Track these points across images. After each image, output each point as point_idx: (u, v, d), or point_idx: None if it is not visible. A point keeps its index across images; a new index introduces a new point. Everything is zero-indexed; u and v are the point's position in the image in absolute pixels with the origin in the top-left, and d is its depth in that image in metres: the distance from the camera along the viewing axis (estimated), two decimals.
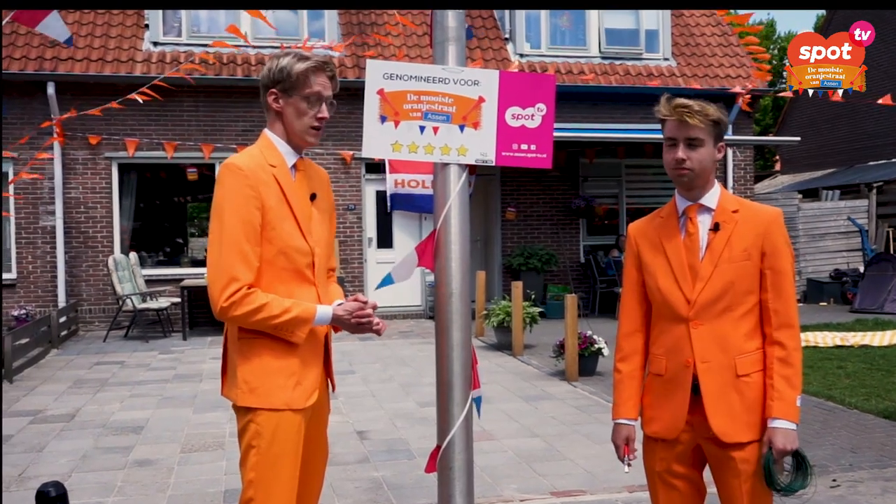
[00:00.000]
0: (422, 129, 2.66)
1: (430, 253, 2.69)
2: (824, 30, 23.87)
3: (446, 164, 2.66)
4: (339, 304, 2.82)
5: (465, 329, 2.66)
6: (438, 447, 2.67)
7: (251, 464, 2.70)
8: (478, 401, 2.84)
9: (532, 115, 2.71)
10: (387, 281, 2.88)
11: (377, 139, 2.67)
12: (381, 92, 2.65)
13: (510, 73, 2.70)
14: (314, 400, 2.79)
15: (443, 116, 2.66)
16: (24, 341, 9.93)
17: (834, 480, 5.30)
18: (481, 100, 2.67)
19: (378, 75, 2.65)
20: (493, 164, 2.67)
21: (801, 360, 2.65)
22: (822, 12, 33.12)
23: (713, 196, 2.76)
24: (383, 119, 2.66)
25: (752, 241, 2.67)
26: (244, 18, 13.38)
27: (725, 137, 2.88)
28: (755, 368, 2.67)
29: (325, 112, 2.82)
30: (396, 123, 2.66)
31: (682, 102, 2.67)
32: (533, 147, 2.72)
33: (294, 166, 2.86)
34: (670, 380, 2.76)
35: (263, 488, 2.68)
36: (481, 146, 2.68)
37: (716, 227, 2.71)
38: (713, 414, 2.66)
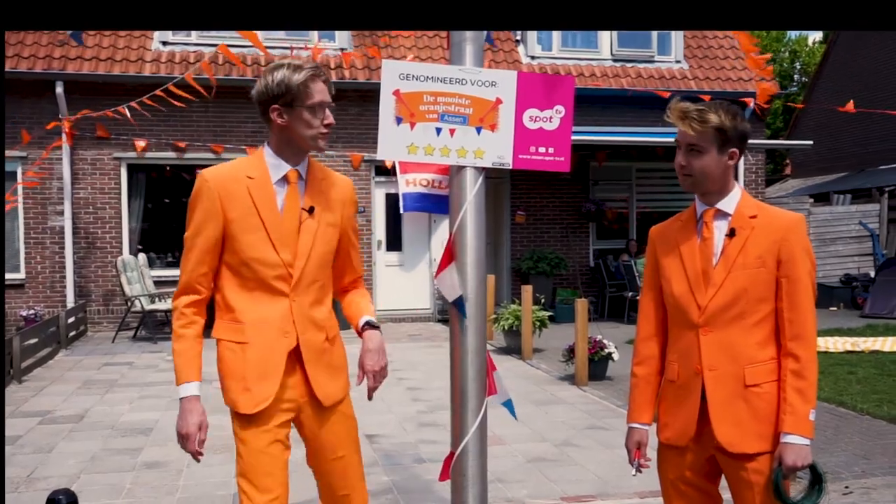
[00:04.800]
0: (438, 130, 2.62)
1: (444, 262, 2.65)
2: (834, 35, 23.88)
3: (462, 167, 2.62)
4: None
5: (481, 334, 2.63)
6: (452, 454, 2.64)
7: (236, 459, 2.84)
8: (508, 404, 2.81)
9: (550, 118, 2.67)
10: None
11: (392, 141, 2.63)
12: (396, 93, 2.61)
13: (528, 75, 2.66)
14: (261, 408, 2.78)
15: (459, 118, 2.62)
16: (32, 341, 9.93)
17: (846, 487, 5.25)
18: (498, 101, 2.63)
19: (394, 76, 2.62)
20: (511, 167, 2.62)
21: (815, 373, 2.57)
22: None
23: (731, 201, 2.69)
24: (399, 120, 2.62)
25: (768, 247, 2.60)
26: None
27: None
28: (767, 379, 2.61)
29: (330, 118, 2.76)
30: (412, 125, 2.62)
31: (681, 106, 2.59)
32: (551, 150, 2.68)
33: (285, 178, 2.80)
34: (682, 386, 2.72)
35: (245, 484, 2.78)
36: (498, 149, 2.64)
37: (731, 233, 2.65)
38: (718, 423, 2.61)
